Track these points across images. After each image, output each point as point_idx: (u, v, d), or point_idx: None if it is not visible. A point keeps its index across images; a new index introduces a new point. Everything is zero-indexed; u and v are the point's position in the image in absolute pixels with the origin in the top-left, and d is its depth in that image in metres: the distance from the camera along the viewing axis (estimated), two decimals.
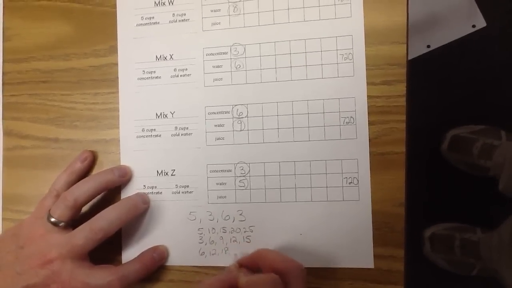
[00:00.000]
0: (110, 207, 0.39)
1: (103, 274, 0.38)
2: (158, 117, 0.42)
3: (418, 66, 1.04)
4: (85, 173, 0.43)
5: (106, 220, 0.38)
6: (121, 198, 0.43)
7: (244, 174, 0.41)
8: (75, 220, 0.40)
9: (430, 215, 1.04)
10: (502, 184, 0.87)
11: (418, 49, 1.04)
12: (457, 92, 1.04)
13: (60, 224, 0.38)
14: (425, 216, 1.03)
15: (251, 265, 0.37)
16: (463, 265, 0.98)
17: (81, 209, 0.40)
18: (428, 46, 1.05)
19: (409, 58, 1.07)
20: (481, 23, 1.03)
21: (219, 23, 0.42)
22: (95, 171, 0.44)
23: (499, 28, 1.03)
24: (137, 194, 0.42)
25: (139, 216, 0.42)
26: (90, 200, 0.40)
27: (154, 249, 0.41)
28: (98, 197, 0.42)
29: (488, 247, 0.91)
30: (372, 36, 0.39)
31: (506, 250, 0.80)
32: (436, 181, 1.05)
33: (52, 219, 0.38)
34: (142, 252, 0.41)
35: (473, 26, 1.03)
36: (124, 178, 0.42)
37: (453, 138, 1.00)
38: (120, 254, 0.43)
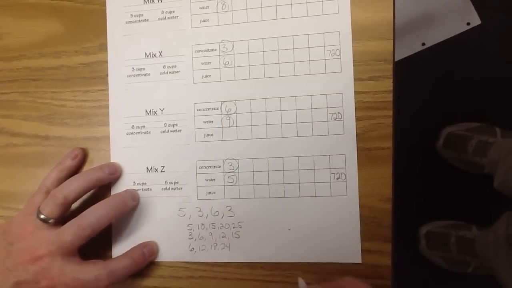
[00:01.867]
0: (99, 203, 0.39)
1: (91, 269, 0.38)
2: (148, 114, 0.43)
3: (413, 64, 1.05)
4: (76, 170, 0.43)
5: (94, 216, 0.38)
6: (111, 195, 0.43)
7: (233, 170, 0.41)
8: (64, 217, 0.40)
9: (425, 212, 1.04)
10: (497, 181, 0.87)
11: (413, 47, 1.05)
12: (452, 89, 1.04)
13: (50, 221, 0.39)
14: (420, 213, 1.03)
15: None
16: (459, 262, 0.98)
17: (70, 206, 0.40)
18: (423, 44, 1.05)
19: (404, 56, 1.07)
20: (475, 20, 1.03)
21: (207, 20, 0.42)
22: (85, 168, 0.44)
23: (494, 26, 1.03)
24: (126, 191, 0.42)
25: (128, 212, 0.42)
26: (80, 197, 0.40)
27: (144, 244, 0.41)
28: (88, 194, 0.42)
29: (483, 244, 0.91)
30: (359, 32, 0.39)
31: (501, 248, 0.80)
32: (431, 179, 1.05)
33: (42, 216, 0.38)
34: (132, 248, 0.41)
35: (468, 23, 1.04)
36: (114, 175, 0.42)
37: (448, 136, 1.00)
38: (110, 251, 0.43)
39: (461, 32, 1.04)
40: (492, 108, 1.03)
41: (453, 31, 1.04)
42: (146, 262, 0.41)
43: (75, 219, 0.38)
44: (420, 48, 1.05)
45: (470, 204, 1.03)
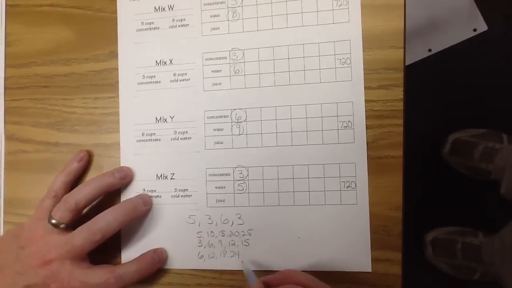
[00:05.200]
0: (110, 209, 0.39)
1: (100, 273, 0.38)
2: (158, 121, 0.43)
3: (419, 70, 1.04)
4: (82, 172, 0.44)
5: (104, 221, 0.38)
6: (121, 201, 0.43)
7: (242, 178, 0.41)
8: (75, 222, 0.40)
9: (432, 219, 1.04)
10: (504, 187, 0.86)
11: (420, 53, 1.05)
12: (458, 96, 1.04)
13: (61, 226, 0.39)
14: (427, 220, 1.03)
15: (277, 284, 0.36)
16: (465, 269, 0.98)
17: (82, 211, 0.41)
18: (430, 50, 1.05)
19: (411, 62, 1.07)
20: (482, 26, 1.03)
21: (218, 28, 0.42)
22: (93, 174, 0.44)
23: (500, 32, 1.03)
24: (138, 196, 0.42)
25: (141, 217, 0.42)
26: (91, 203, 0.41)
27: (155, 250, 0.41)
28: (98, 200, 0.42)
29: (490, 251, 0.91)
30: (369, 41, 0.39)
31: (508, 254, 0.80)
32: (437, 185, 1.05)
33: (53, 221, 0.39)
34: (143, 254, 0.41)
35: (474, 30, 1.04)
36: (125, 180, 0.42)
37: (455, 142, 1.00)
38: (120, 257, 0.43)
39: (468, 38, 1.04)
40: (498, 114, 1.03)
41: (459, 37, 1.04)
42: (155, 268, 0.41)
43: (85, 224, 0.38)
44: (426, 54, 1.05)
45: (476, 211, 1.02)
